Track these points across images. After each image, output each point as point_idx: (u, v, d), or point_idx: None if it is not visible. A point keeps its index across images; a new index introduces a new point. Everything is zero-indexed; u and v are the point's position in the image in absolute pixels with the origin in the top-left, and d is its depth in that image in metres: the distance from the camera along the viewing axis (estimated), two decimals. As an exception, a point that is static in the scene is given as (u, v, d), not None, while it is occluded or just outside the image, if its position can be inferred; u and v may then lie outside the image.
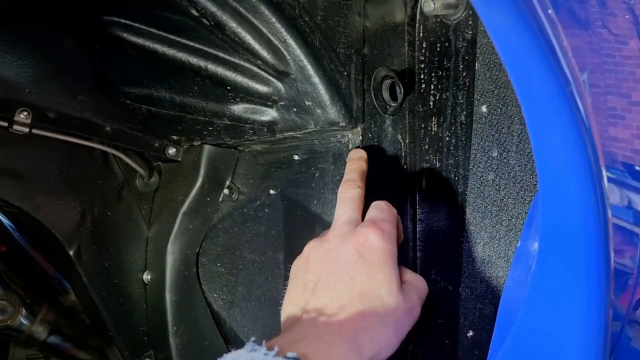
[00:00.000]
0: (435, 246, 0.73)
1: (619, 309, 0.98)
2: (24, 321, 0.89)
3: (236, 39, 0.60)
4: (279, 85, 0.64)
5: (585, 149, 0.36)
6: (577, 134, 0.35)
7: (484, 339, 0.64)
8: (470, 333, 0.67)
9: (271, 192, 0.77)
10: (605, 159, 0.90)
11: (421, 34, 0.70)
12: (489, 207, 0.67)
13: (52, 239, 0.74)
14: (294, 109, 0.65)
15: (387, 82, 0.71)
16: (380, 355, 0.53)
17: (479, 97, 0.70)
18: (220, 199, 0.81)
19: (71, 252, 0.74)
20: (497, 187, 0.67)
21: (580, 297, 0.43)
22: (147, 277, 0.82)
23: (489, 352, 0.53)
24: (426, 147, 0.75)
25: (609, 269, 0.41)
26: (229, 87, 0.66)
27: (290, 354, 0.42)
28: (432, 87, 0.76)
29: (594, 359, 0.43)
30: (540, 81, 0.35)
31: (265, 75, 0.64)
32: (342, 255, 0.56)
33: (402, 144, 0.74)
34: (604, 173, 0.40)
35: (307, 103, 0.64)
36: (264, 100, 0.66)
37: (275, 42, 0.61)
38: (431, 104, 0.75)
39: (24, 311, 0.89)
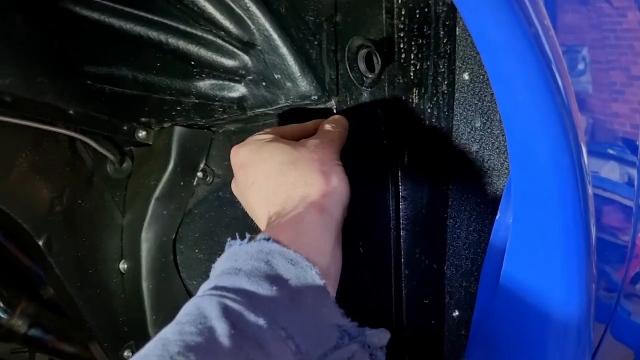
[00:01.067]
0: (418, 224, 0.69)
1: (615, 279, 0.95)
2: (1, 315, 0.87)
3: (195, 8, 0.56)
4: (246, 58, 0.60)
5: (554, 100, 0.32)
6: (546, 89, 0.32)
7: (470, 318, 0.61)
8: (456, 312, 0.64)
9: (246, 172, 0.73)
10: (606, 135, 0.86)
11: (400, 1, 0.66)
12: (472, 180, 0.63)
13: (20, 230, 0.71)
14: (263, 83, 0.62)
15: (363, 52, 0.67)
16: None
17: (460, 65, 0.66)
18: (195, 183, 0.77)
19: (41, 243, 0.71)
20: (481, 159, 0.63)
21: (557, 268, 0.40)
22: (123, 266, 0.79)
23: (470, 329, 0.50)
24: (407, 120, 0.71)
25: (587, 238, 0.38)
26: (192, 62, 0.62)
27: (260, 236, 0.47)
28: (412, 57, 0.71)
29: (576, 330, 0.41)
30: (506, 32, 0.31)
31: (230, 47, 0.60)
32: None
33: (382, 117, 0.70)
34: (581, 135, 0.37)
35: (276, 76, 0.60)
36: (231, 75, 0.62)
37: (238, 10, 0.56)
38: (412, 74, 0.71)
39: (1, 304, 0.87)
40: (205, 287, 0.45)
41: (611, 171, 0.94)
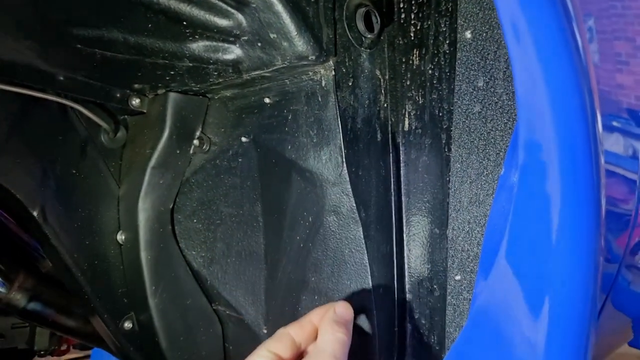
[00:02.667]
0: (419, 189, 0.68)
1: (617, 248, 0.94)
2: (0, 289, 0.86)
3: (186, -36, 0.54)
4: (240, 17, 0.58)
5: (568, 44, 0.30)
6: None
7: (472, 281, 0.61)
8: (458, 277, 0.63)
9: (243, 140, 0.72)
10: (611, 107, 0.84)
11: None
12: (475, 141, 0.62)
13: (14, 201, 0.70)
14: (259, 44, 0.59)
15: (362, 10, 0.64)
16: None
17: (462, 23, 0.64)
18: (191, 151, 0.76)
19: (35, 213, 0.69)
20: (483, 120, 0.61)
21: (564, 222, 0.38)
22: (121, 237, 0.78)
23: (475, 284, 0.49)
24: (408, 82, 0.69)
25: (597, 197, 0.36)
26: (185, 23, 0.60)
27: None
28: (412, 16, 0.69)
29: (582, 288, 0.39)
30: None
31: (224, 6, 0.58)
32: None
33: (382, 80, 0.68)
34: (594, 84, 0.35)
35: (271, 36, 0.58)
36: (226, 35, 0.60)
37: (230, -35, 0.54)
38: (412, 34, 0.69)
39: (-1, 278, 0.86)
40: None
41: (615, 144, 0.93)
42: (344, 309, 0.59)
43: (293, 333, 0.58)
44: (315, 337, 0.57)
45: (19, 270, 0.88)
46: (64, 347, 1.21)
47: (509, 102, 0.59)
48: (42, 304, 0.90)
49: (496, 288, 0.49)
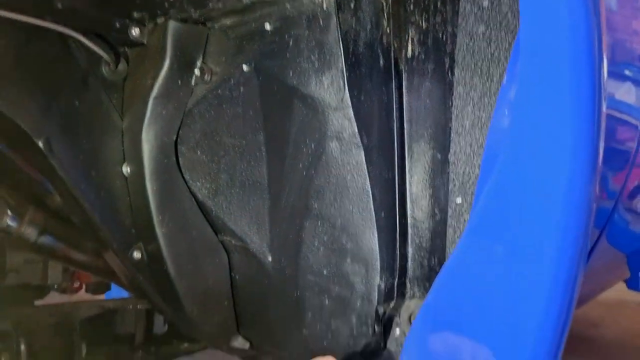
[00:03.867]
0: (422, 115, 0.68)
1: (614, 185, 0.95)
2: (10, 222, 0.88)
3: None
4: None
5: None
6: None
7: (472, 204, 0.62)
8: (459, 200, 0.64)
9: (244, 68, 0.71)
10: (624, 55, 0.83)
11: None
12: (479, 63, 0.61)
13: (19, 132, 0.70)
14: None
15: None
16: None
17: (467, -61, 0.62)
18: (193, 82, 0.75)
19: (40, 143, 0.70)
20: (488, 41, 0.60)
21: (564, 130, 0.39)
22: (126, 169, 0.79)
23: (474, 197, 0.50)
24: (411, 7, 0.68)
25: (597, 127, 0.36)
26: (182, -58, 0.58)
27: None
28: None
29: (578, 198, 0.40)
30: None
31: None
32: None
33: (384, 3, 0.66)
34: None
35: (271, -46, 0.57)
36: (224, -45, 0.59)
37: None
38: (415, -45, 0.67)
39: (9, 212, 0.88)
40: None
41: (627, 93, 0.92)
42: None
43: None
44: None
45: (28, 205, 0.89)
46: (76, 284, 1.25)
47: (514, 22, 0.58)
48: (52, 238, 0.92)
49: (492, 203, 0.50)
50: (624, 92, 0.91)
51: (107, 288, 1.67)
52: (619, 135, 0.90)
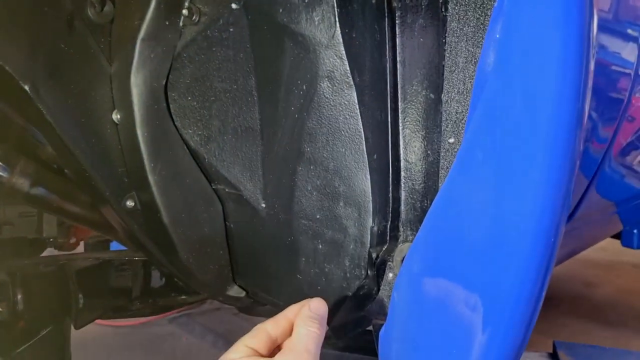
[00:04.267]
0: (415, 54, 0.67)
1: (605, 133, 0.94)
2: (1, 173, 0.88)
3: None
4: None
5: None
6: None
7: None
8: (452, 139, 0.63)
9: (233, 6, 0.69)
10: (629, 13, 0.80)
11: None
12: (471, 3, 0.59)
13: (5, 76, 0.69)
14: None
15: None
16: None
17: None
18: (181, 23, 0.74)
19: (27, 87, 0.69)
20: (482, -24, 0.58)
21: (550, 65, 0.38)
22: (116, 116, 0.78)
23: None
24: None
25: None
26: None
27: None
28: None
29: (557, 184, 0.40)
30: None
31: None
32: None
33: None
34: None
35: None
36: None
37: None
38: None
39: (0, 163, 0.87)
40: None
41: (631, 53, 0.90)
42: (318, 305, 0.63)
43: (269, 328, 0.62)
44: (291, 332, 0.62)
45: (19, 155, 0.89)
46: (73, 240, 1.26)
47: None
48: (45, 189, 0.92)
49: (478, 135, 0.49)
50: (629, 53, 0.89)
51: (106, 246, 1.69)
52: (609, 84, 0.89)
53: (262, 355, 0.60)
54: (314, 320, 0.62)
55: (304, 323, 0.61)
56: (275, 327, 0.63)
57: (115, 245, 1.60)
